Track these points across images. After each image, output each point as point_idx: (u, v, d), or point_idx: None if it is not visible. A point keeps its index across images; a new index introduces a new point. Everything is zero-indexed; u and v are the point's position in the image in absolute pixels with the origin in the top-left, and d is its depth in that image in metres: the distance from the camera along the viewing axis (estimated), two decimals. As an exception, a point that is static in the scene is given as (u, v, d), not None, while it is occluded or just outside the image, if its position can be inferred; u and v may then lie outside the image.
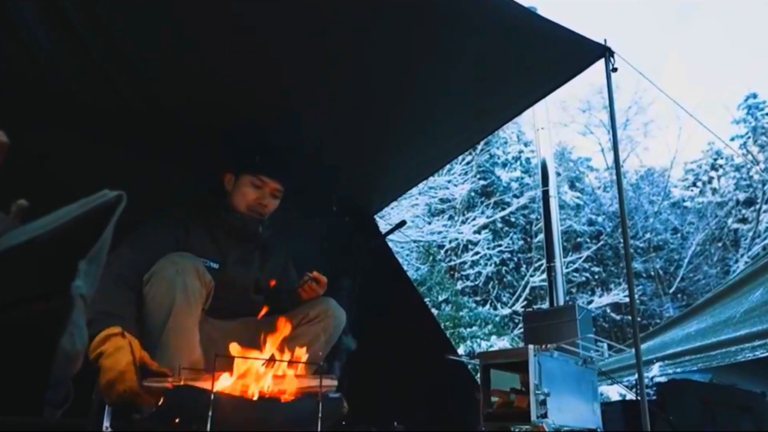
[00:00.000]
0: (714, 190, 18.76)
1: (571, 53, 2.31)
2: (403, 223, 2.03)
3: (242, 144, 2.02)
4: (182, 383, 1.24)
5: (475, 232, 12.66)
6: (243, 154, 1.95)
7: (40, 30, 1.96)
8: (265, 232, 1.95)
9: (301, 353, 1.53)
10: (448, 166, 11.13)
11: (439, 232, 11.78)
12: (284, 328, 1.58)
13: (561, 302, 4.70)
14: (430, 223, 11.59)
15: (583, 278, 15.30)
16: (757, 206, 15.87)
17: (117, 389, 1.30)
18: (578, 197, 17.22)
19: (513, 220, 14.96)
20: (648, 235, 16.74)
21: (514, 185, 15.55)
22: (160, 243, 1.69)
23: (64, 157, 2.30)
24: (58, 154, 2.30)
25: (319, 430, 1.28)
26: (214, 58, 2.15)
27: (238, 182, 1.91)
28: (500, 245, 13.54)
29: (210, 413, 1.14)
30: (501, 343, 9.39)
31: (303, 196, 3.03)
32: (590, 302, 13.73)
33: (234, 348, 1.39)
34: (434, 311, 9.25)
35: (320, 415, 1.29)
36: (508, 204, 14.42)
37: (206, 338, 1.67)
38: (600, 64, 2.35)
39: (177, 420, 1.20)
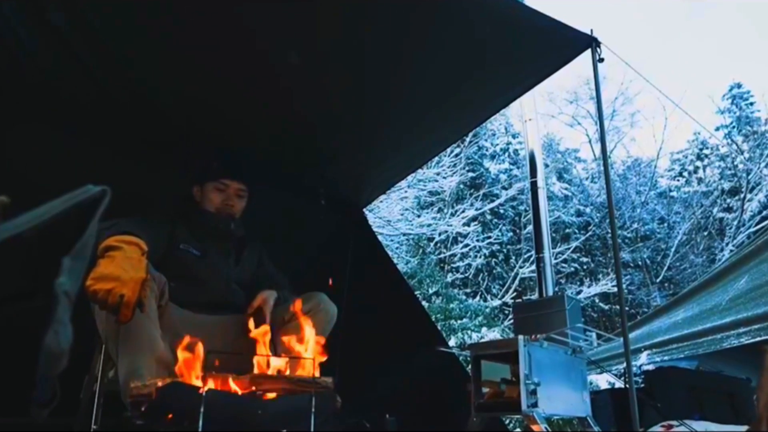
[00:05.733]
0: (699, 180, 18.98)
1: (557, 43, 2.31)
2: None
3: (199, 158, 2.19)
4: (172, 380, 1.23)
5: (464, 225, 12.69)
6: (202, 166, 2.09)
7: (18, 23, 1.92)
8: (237, 231, 2.05)
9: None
10: (436, 158, 11.14)
11: (429, 225, 11.78)
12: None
13: (550, 293, 4.73)
14: (419, 216, 11.59)
15: (572, 269, 15.43)
16: (742, 195, 16.06)
17: (115, 291, 1.27)
18: (566, 188, 17.33)
19: (502, 211, 15.03)
20: (635, 225, 16.89)
21: (503, 177, 15.61)
22: (153, 229, 1.74)
23: (46, 152, 2.27)
24: (41, 150, 2.26)
25: (312, 424, 1.27)
26: (202, 51, 2.13)
27: (204, 191, 2.04)
28: (489, 237, 13.59)
29: (201, 410, 1.13)
30: (491, 335, 9.44)
31: (292, 190, 3.03)
32: (579, 292, 13.84)
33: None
34: (425, 304, 9.28)
35: (313, 410, 1.28)
36: (497, 196, 14.47)
37: (187, 334, 1.67)
38: (587, 55, 2.36)
39: (170, 416, 1.19)
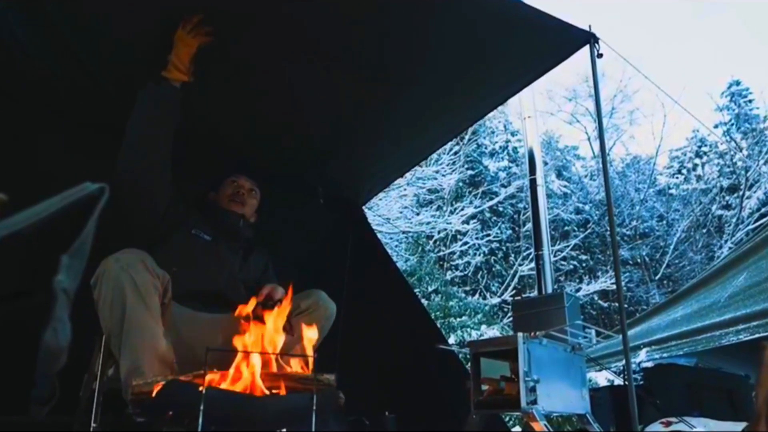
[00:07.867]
0: (698, 177, 18.98)
1: (556, 40, 2.30)
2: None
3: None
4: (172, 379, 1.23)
5: (463, 223, 12.69)
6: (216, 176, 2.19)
7: (18, 23, 1.92)
8: (245, 230, 2.07)
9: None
10: (435, 156, 11.14)
11: (428, 223, 11.79)
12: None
13: (549, 290, 4.73)
14: (418, 214, 11.60)
15: (571, 266, 15.44)
16: (741, 192, 16.09)
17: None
18: (565, 186, 17.33)
19: (501, 209, 15.04)
20: (634, 223, 16.91)
21: (502, 175, 15.62)
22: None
23: (45, 151, 2.27)
24: (40, 149, 2.26)
25: (314, 423, 1.27)
26: (201, 50, 2.12)
27: (217, 190, 2.11)
28: (489, 235, 13.61)
29: (201, 408, 1.13)
30: (491, 332, 9.45)
31: (291, 188, 3.02)
32: (578, 290, 13.87)
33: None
34: (424, 302, 9.29)
35: (314, 408, 1.28)
36: (496, 194, 14.48)
37: (188, 332, 1.67)
38: (586, 53, 2.35)
39: (170, 414, 1.19)
